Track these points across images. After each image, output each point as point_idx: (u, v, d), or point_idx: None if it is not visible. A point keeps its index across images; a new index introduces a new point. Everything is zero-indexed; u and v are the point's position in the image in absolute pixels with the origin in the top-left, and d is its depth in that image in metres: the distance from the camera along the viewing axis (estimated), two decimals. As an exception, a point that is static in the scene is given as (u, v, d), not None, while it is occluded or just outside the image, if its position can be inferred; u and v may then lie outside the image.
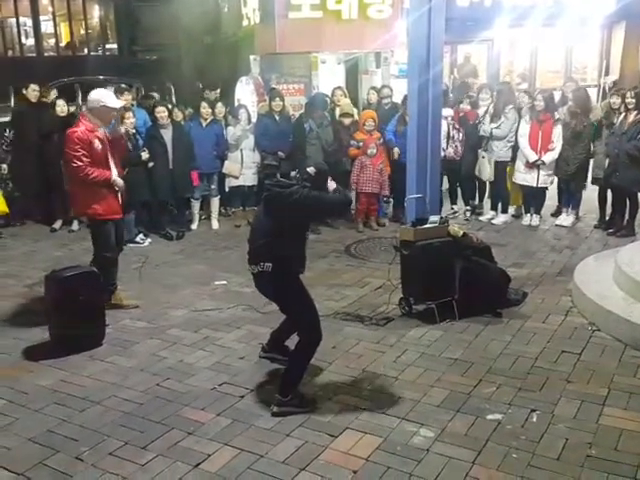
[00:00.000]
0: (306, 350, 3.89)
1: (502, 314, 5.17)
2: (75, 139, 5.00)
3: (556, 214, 8.14)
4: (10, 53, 23.61)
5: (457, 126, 7.99)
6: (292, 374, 3.89)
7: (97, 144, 5.05)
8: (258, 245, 3.85)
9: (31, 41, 23.54)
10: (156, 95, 9.36)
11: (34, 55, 22.78)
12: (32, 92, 8.11)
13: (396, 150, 7.87)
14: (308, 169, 3.97)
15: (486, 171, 7.91)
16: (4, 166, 8.11)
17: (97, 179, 5.07)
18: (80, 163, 5.00)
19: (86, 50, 23.40)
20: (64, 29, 24.19)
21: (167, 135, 7.54)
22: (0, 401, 4.01)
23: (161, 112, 7.50)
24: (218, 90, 9.06)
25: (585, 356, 4.46)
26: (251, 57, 11.04)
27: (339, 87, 9.01)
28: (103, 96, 5.15)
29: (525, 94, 8.11)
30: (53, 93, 8.38)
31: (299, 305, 3.91)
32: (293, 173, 7.16)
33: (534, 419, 3.70)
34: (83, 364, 4.49)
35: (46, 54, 23.00)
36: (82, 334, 4.64)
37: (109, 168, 5.19)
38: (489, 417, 3.73)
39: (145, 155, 7.17)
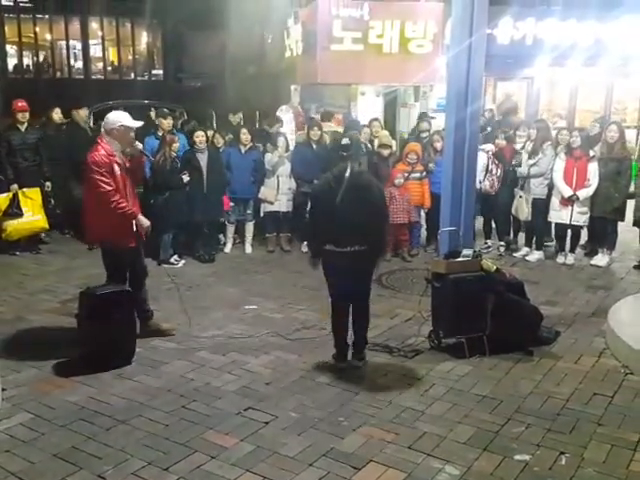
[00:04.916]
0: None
1: (533, 352, 5.09)
2: (99, 163, 4.86)
3: (589, 253, 8.01)
4: (59, 74, 24.43)
5: (496, 162, 7.98)
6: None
7: (117, 169, 4.95)
8: (369, 226, 4.52)
9: (80, 64, 24.37)
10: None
11: (82, 77, 23.56)
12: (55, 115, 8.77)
13: (431, 165, 8.03)
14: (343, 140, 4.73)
15: (524, 211, 7.82)
16: (48, 184, 8.33)
17: (124, 211, 4.94)
18: (109, 188, 4.86)
19: (132, 75, 24.09)
20: (112, 53, 24.98)
21: (203, 160, 7.66)
22: (27, 415, 4.06)
23: (200, 136, 7.62)
24: (240, 114, 9.36)
25: (617, 400, 4.35)
26: (292, 87, 11.23)
27: (376, 119, 9.07)
28: (120, 117, 5.08)
29: (565, 131, 8.07)
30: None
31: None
32: None
33: (563, 462, 3.61)
34: (112, 382, 4.54)
35: (94, 77, 23.77)
36: (112, 352, 4.72)
37: (126, 197, 5.01)
38: (517, 457, 3.65)
39: (186, 178, 7.36)
